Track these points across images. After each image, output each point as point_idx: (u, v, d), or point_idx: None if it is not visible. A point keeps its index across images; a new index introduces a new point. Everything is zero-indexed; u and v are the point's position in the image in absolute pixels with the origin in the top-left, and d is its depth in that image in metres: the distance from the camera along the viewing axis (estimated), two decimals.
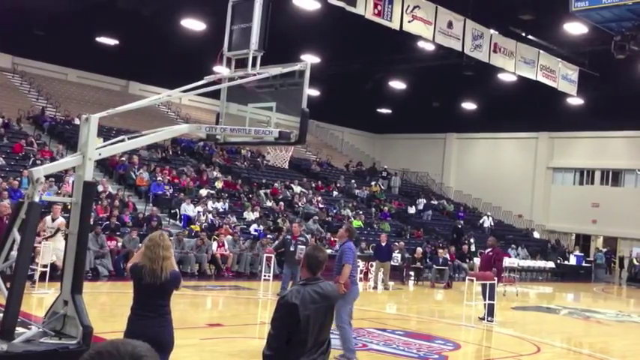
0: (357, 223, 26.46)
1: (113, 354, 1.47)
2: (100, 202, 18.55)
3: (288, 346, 3.64)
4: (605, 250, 32.80)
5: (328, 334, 3.86)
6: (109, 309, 11.91)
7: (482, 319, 13.53)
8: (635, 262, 30.67)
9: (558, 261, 30.55)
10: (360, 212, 27.97)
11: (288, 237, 14.07)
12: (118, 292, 13.70)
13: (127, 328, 5.05)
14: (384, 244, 19.89)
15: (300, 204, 26.04)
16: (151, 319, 4.99)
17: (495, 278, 13.95)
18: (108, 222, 17.50)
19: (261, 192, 25.70)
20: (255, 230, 21.09)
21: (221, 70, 8.83)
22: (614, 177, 35.43)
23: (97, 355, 1.48)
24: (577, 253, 32.08)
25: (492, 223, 32.90)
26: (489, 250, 14.57)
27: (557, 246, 33.12)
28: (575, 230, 35.87)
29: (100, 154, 7.17)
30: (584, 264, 31.30)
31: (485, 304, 13.62)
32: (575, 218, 35.00)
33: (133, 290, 5.09)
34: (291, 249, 13.11)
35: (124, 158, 22.84)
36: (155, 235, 5.14)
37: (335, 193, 30.17)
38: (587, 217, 34.62)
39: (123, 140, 7.38)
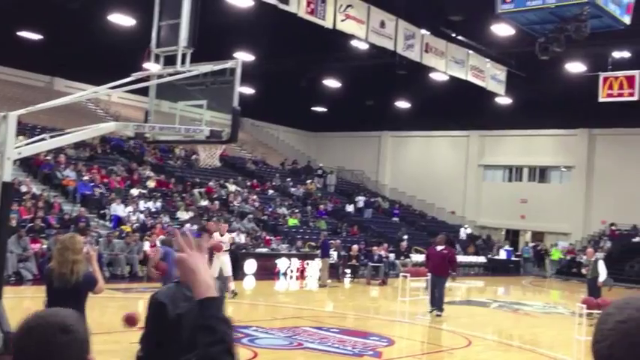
0: (292, 221, 26.45)
1: (43, 326, 1.50)
2: (23, 203, 17.81)
3: (160, 345, 3.58)
4: (532, 244, 33.97)
5: None
6: None
7: (432, 311, 14.03)
8: (560, 255, 31.87)
9: (489, 255, 31.43)
10: (296, 210, 27.95)
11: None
12: (44, 296, 13.17)
13: None
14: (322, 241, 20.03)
15: (235, 203, 25.78)
16: None
17: (429, 274, 14.37)
18: (32, 224, 16.83)
19: (195, 191, 25.29)
20: (189, 230, 20.73)
21: (150, 66, 8.62)
22: (540, 174, 36.75)
23: (28, 331, 1.51)
24: (507, 247, 33.10)
25: (466, 234, 33.52)
26: (442, 248, 14.73)
27: (488, 241, 34.07)
28: (505, 225, 37.00)
29: (19, 154, 6.85)
30: (513, 258, 32.34)
31: (429, 298, 14.18)
32: (504, 214, 36.09)
33: (46, 294, 4.98)
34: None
35: (49, 157, 21.99)
36: (65, 238, 5.06)
37: (270, 191, 30.03)
38: (516, 212, 35.77)
39: (44, 139, 7.08)
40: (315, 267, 20.98)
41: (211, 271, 11.64)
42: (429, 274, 14.60)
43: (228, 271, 14.50)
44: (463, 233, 33.28)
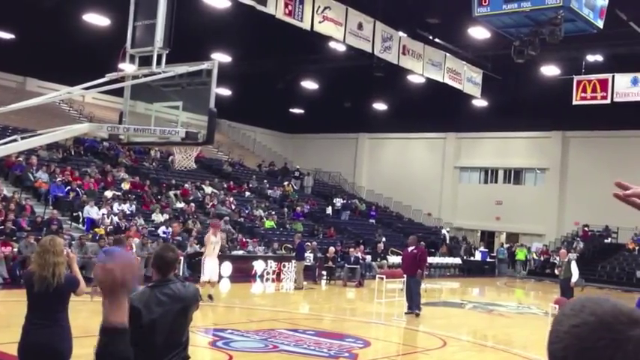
0: (269, 224, 26.36)
1: None
2: None
3: (135, 350, 3.56)
4: (507, 245, 34.29)
5: (183, 336, 3.76)
6: (4, 319, 11.21)
7: (409, 313, 14.15)
8: (534, 256, 32.25)
9: (464, 257, 31.63)
10: (273, 212, 27.86)
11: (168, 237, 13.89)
12: (14, 300, 12.91)
13: (21, 338, 4.89)
14: (297, 243, 19.90)
15: (212, 205, 25.62)
16: (47, 328, 4.87)
17: (405, 275, 14.45)
18: (2, 226, 16.53)
19: (171, 193, 25.08)
20: (164, 232, 20.54)
21: (125, 67, 8.53)
22: (515, 176, 37.12)
23: None
24: (482, 249, 33.36)
25: (447, 236, 33.68)
26: (413, 248, 14.87)
27: (464, 243, 34.29)
28: (481, 227, 37.29)
29: None
30: (488, 259, 32.62)
31: (406, 299, 14.33)
32: (480, 215, 36.37)
33: (27, 298, 4.94)
34: None
35: (20, 159, 21.61)
36: (45, 241, 5.01)
37: (247, 193, 29.91)
38: (491, 214, 36.07)
39: (16, 140, 6.96)
40: (291, 269, 20.89)
41: (209, 274, 11.65)
42: (404, 275, 14.74)
43: (214, 275, 14.45)
44: (447, 235, 33.38)
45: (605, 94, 22.49)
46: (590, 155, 33.38)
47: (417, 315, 14.15)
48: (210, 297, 14.15)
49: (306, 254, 21.75)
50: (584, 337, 1.08)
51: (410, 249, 14.92)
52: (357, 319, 14.24)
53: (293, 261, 20.53)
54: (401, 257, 16.50)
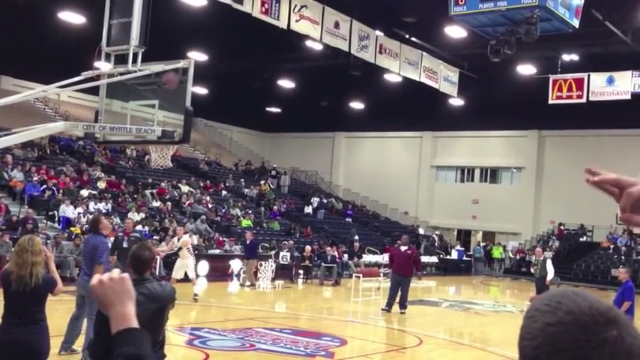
0: (246, 223, 26.30)
1: None
2: None
3: (110, 352, 3.59)
4: (483, 244, 34.59)
5: (159, 335, 3.77)
6: None
7: (386, 310, 14.29)
8: (510, 254, 32.59)
9: (441, 256, 31.84)
10: (250, 211, 27.79)
11: (120, 234, 13.75)
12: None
13: None
14: (248, 241, 19.60)
15: (188, 203, 25.48)
16: (24, 327, 4.85)
17: (383, 274, 14.51)
18: None
19: (147, 192, 24.89)
20: (140, 231, 20.37)
21: (101, 65, 8.48)
22: (492, 174, 37.43)
23: None
24: (458, 247, 33.61)
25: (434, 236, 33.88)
26: (406, 248, 14.92)
27: (441, 241, 34.50)
28: (457, 226, 37.56)
29: None
30: (464, 258, 32.87)
31: (389, 296, 14.46)
32: (456, 214, 36.63)
33: (4, 297, 4.93)
34: (124, 245, 12.56)
35: None
36: (24, 240, 5.00)
37: (224, 192, 29.79)
38: (467, 212, 36.35)
39: None
40: (268, 268, 20.79)
41: (175, 273, 11.55)
42: (382, 274, 14.80)
43: (191, 273, 14.52)
44: (435, 236, 33.48)
45: (580, 93, 22.78)
46: (566, 154, 33.78)
47: (403, 313, 14.33)
48: (195, 297, 14.32)
49: (282, 253, 21.76)
50: (559, 337, 1.04)
51: (403, 249, 14.93)
52: (334, 317, 14.28)
53: (245, 260, 19.89)
54: (389, 256, 16.40)
